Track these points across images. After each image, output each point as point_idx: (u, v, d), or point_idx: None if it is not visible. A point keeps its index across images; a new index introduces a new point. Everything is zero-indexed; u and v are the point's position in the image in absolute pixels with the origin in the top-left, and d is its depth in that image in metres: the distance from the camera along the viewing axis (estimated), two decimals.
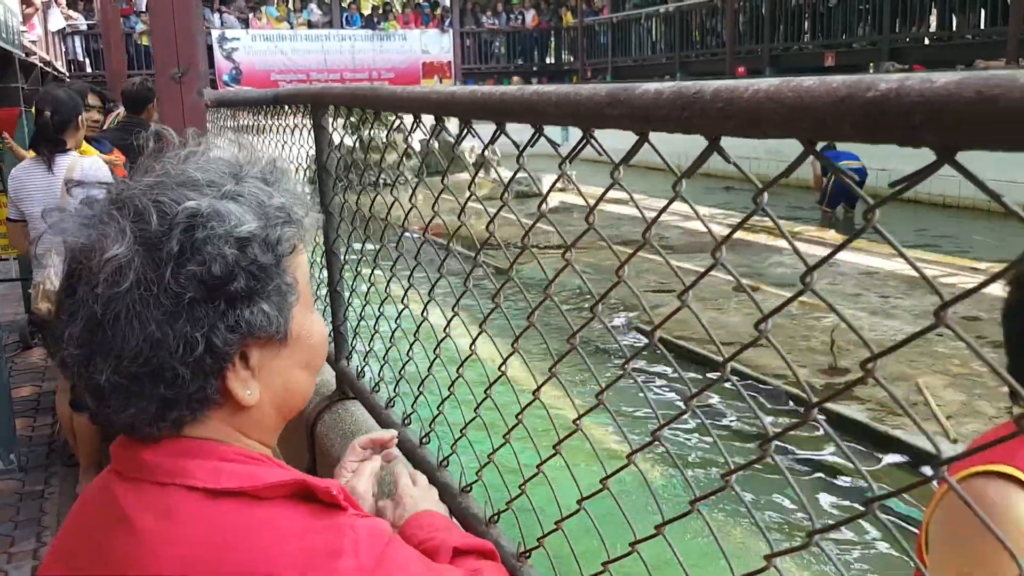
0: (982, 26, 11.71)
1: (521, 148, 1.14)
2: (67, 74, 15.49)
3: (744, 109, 0.62)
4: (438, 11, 23.14)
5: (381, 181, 1.73)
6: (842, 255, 6.99)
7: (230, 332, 0.70)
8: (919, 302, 5.25)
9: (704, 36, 17.80)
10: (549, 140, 1.08)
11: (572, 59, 22.89)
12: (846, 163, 9.17)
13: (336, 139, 1.98)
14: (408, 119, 1.44)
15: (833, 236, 7.83)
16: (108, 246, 0.67)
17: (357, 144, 1.86)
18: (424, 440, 1.52)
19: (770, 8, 15.18)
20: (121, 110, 5.25)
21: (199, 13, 1.85)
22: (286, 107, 2.29)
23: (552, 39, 23.64)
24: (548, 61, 23.80)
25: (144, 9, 18.70)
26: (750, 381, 3.98)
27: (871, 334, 4.58)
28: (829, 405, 3.62)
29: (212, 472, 0.71)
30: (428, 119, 1.36)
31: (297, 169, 2.53)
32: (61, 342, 0.71)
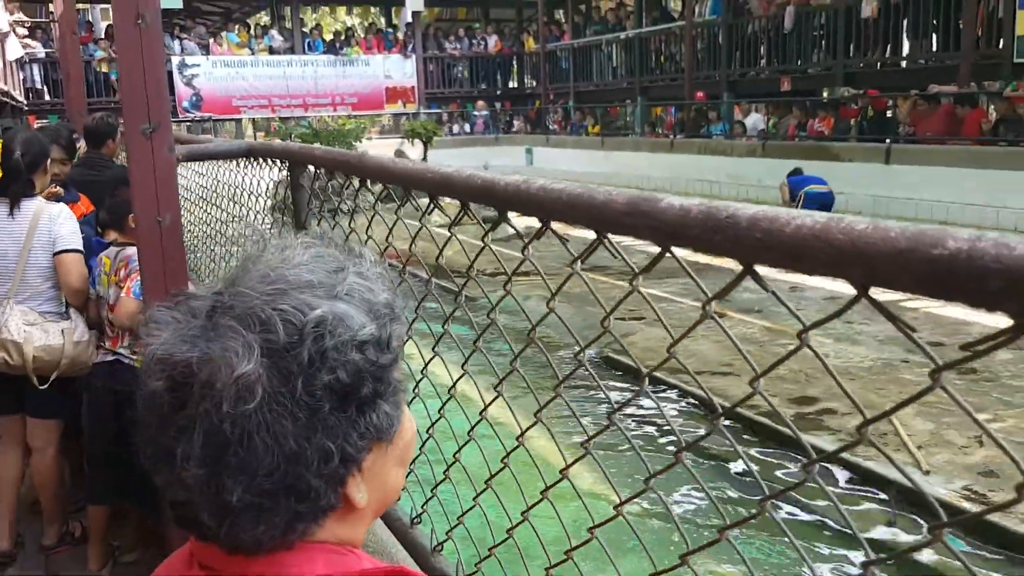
0: (934, 51, 12.04)
1: (526, 242, 1.13)
2: (25, 103, 15.26)
3: (787, 243, 0.60)
4: (401, 36, 23.24)
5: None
6: (807, 280, 7.11)
7: (361, 439, 0.68)
8: (882, 328, 5.35)
9: (664, 62, 18.08)
10: (560, 238, 1.08)
11: (534, 83, 23.09)
12: (814, 187, 9.27)
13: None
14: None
15: None
16: (235, 362, 0.63)
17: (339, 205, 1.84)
18: (416, 520, 1.49)
19: (726, 35, 15.47)
20: (82, 144, 5.17)
21: (164, 67, 1.83)
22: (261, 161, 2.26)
23: (515, 64, 23.85)
24: (511, 85, 24.00)
25: (104, 36, 18.51)
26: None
27: (837, 361, 4.65)
28: (797, 434, 3.66)
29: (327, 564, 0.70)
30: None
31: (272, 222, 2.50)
32: (154, 457, 0.67)
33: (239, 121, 20.60)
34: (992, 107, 10.50)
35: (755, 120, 14.57)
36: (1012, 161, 9.45)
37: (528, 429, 1.20)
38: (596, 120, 19.03)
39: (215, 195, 3.11)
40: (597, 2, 22.91)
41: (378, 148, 17.21)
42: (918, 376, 4.34)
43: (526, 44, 22.86)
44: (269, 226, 2.63)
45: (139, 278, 2.20)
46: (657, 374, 4.79)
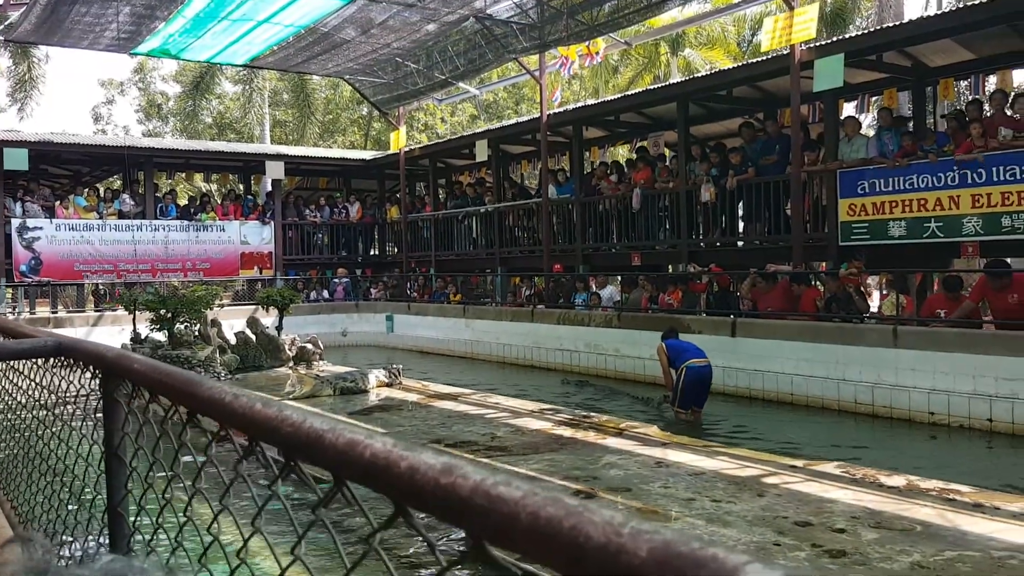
0: (768, 233, 13.11)
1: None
2: None
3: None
4: (260, 203, 23.17)
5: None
6: (672, 456, 7.18)
7: None
8: (749, 506, 5.40)
9: (522, 234, 18.82)
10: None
11: (396, 251, 23.40)
12: (695, 361, 9.43)
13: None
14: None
15: (656, 432, 8.03)
16: None
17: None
18: None
19: (580, 212, 16.34)
20: None
21: None
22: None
23: (376, 232, 24.17)
24: (372, 252, 24.20)
25: None
26: None
27: None
28: None
29: None
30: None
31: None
32: None
33: (81, 287, 19.56)
34: (823, 286, 11.40)
35: (610, 292, 15.20)
36: (845, 336, 10.18)
37: None
38: (457, 288, 19.33)
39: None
40: (457, 177, 23.86)
41: (231, 315, 16.65)
42: (792, 561, 4.34)
43: (388, 213, 23.31)
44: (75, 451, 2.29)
45: None
46: (528, 567, 4.57)
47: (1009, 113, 10.38)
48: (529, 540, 0.50)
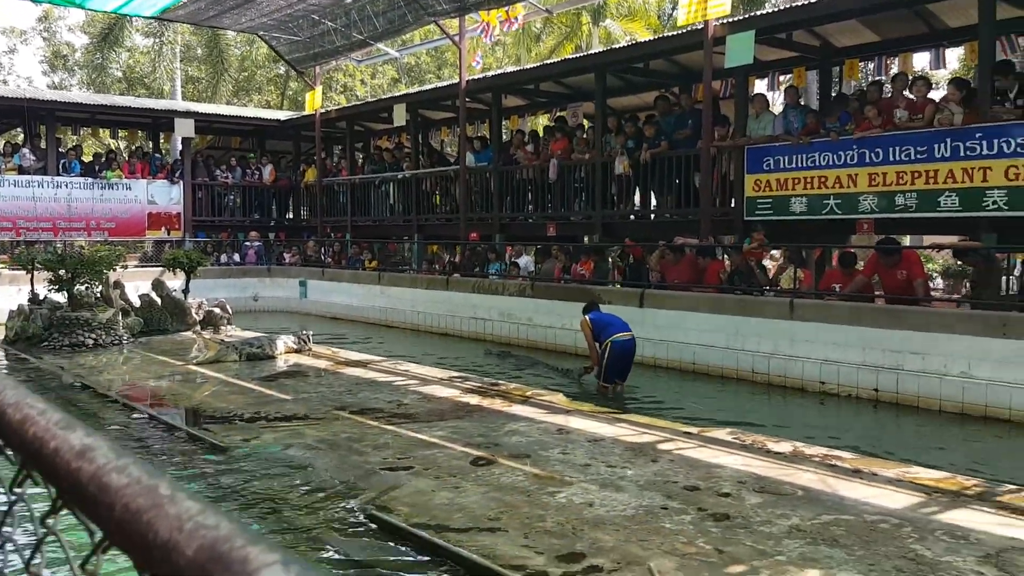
0: (679, 206, 13.36)
1: None
2: None
3: None
4: (169, 162, 22.39)
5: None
6: (575, 423, 7.32)
7: None
8: (643, 471, 5.55)
9: (439, 202, 18.71)
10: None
11: (311, 215, 22.96)
12: (620, 335, 9.46)
13: None
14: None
15: (561, 400, 8.16)
16: None
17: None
18: None
19: (498, 181, 16.33)
20: None
21: None
22: None
23: (291, 195, 23.66)
24: (287, 216, 23.69)
25: None
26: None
27: (601, 510, 4.72)
28: None
29: None
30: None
31: None
32: None
33: None
34: (728, 259, 11.71)
35: (526, 261, 15.29)
36: (745, 308, 10.51)
37: None
38: (373, 255, 19.12)
39: None
40: (375, 141, 23.50)
41: (137, 277, 16.12)
42: (677, 524, 4.49)
43: (305, 175, 22.83)
44: None
45: None
46: (422, 533, 4.63)
47: (907, 95, 10.78)
48: (121, 534, 0.48)
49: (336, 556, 4.39)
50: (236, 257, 21.08)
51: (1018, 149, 9.16)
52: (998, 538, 4.23)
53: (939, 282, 13.67)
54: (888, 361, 9.05)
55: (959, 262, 9.81)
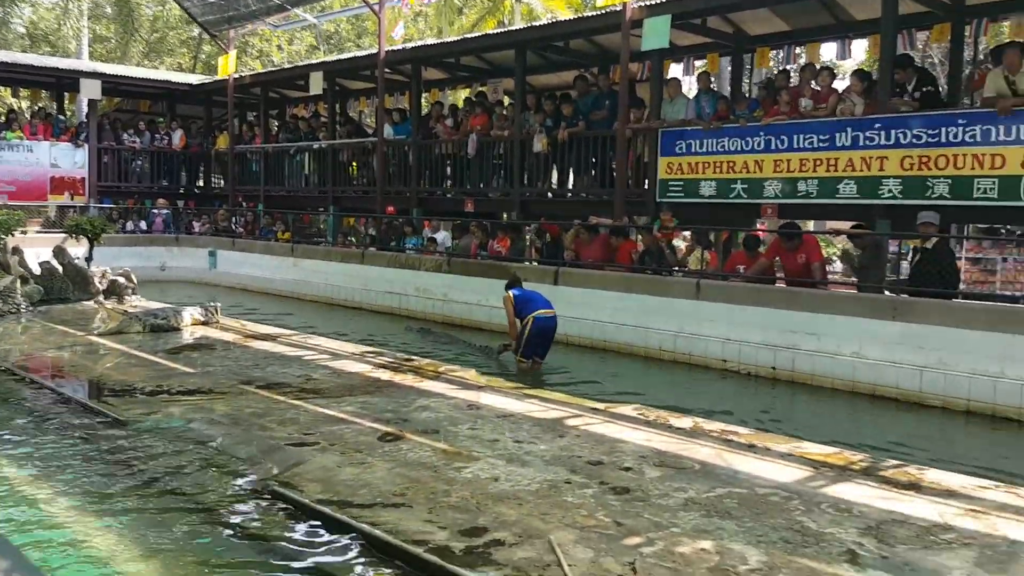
0: (594, 186, 13.56)
1: None
2: None
3: None
4: (72, 124, 21.44)
5: None
6: (485, 399, 7.41)
7: None
8: (549, 446, 5.69)
9: (356, 174, 18.47)
10: None
11: (223, 184, 22.35)
12: (543, 312, 9.50)
13: None
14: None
15: (473, 375, 8.24)
16: None
17: None
18: None
19: (416, 154, 16.23)
20: None
21: None
22: None
23: (202, 163, 22.97)
24: (197, 184, 23.01)
25: None
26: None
27: (506, 485, 4.83)
28: (465, 572, 3.67)
29: None
30: None
31: None
32: None
33: None
34: (640, 239, 11.97)
35: (443, 237, 15.28)
36: (655, 288, 10.80)
37: None
38: (287, 226, 18.78)
39: None
40: (291, 110, 22.98)
41: (38, 243, 15.47)
42: (579, 498, 4.63)
43: (217, 142, 22.18)
44: None
45: None
46: (325, 509, 4.66)
47: (813, 85, 11.18)
48: None
49: (238, 533, 4.38)
50: (143, 225, 20.41)
51: (913, 140, 9.64)
52: (879, 511, 4.50)
53: (838, 266, 14.28)
54: (786, 341, 9.46)
55: (855, 247, 10.27)
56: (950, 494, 4.83)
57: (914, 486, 4.97)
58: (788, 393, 9.23)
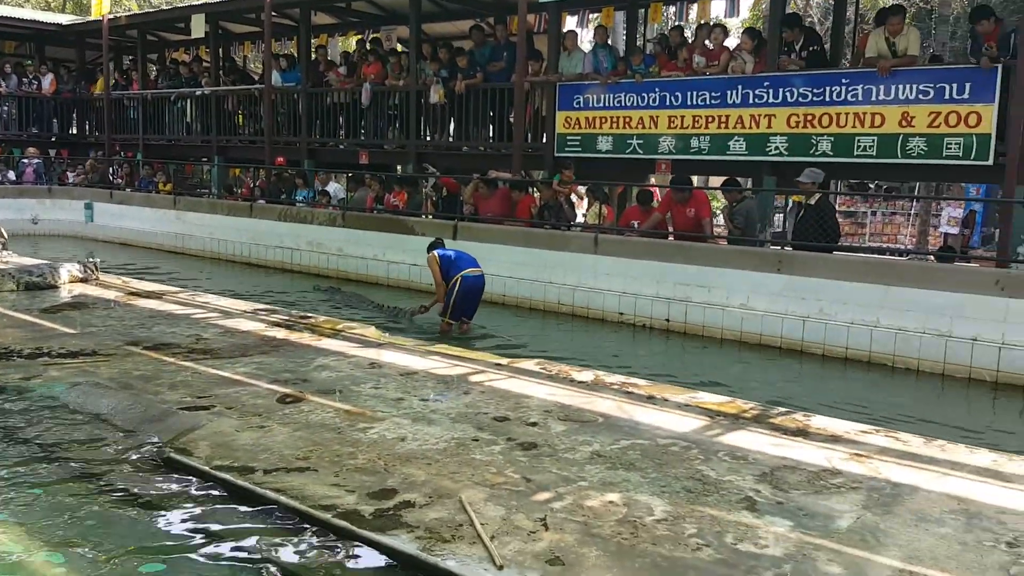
0: (492, 140, 13.48)
1: None
2: None
3: None
4: None
5: None
6: (387, 356, 7.34)
7: None
8: (455, 404, 5.70)
9: (243, 123, 17.73)
10: None
11: (99, 132, 21.07)
12: (470, 271, 9.26)
13: None
14: None
15: (373, 333, 8.14)
16: None
17: None
18: None
19: (307, 103, 15.70)
20: None
21: None
22: None
23: (75, 109, 21.56)
24: (71, 132, 21.61)
25: None
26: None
27: (414, 444, 4.82)
28: (376, 536, 3.68)
29: None
30: None
31: None
32: None
33: None
34: (538, 193, 12.03)
35: (335, 189, 14.91)
36: (554, 242, 10.91)
37: None
38: (168, 177, 17.91)
39: None
40: (171, 54, 21.79)
41: None
42: (487, 455, 4.67)
43: (92, 87, 20.82)
44: None
45: None
46: (226, 476, 4.54)
47: (707, 43, 11.39)
48: None
49: (132, 505, 4.21)
50: (11, 175, 19.10)
51: (799, 98, 9.99)
52: (772, 458, 4.73)
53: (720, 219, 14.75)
54: (678, 294, 9.76)
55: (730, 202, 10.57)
56: (835, 439, 5.12)
57: (802, 432, 5.24)
58: (680, 344, 9.56)
